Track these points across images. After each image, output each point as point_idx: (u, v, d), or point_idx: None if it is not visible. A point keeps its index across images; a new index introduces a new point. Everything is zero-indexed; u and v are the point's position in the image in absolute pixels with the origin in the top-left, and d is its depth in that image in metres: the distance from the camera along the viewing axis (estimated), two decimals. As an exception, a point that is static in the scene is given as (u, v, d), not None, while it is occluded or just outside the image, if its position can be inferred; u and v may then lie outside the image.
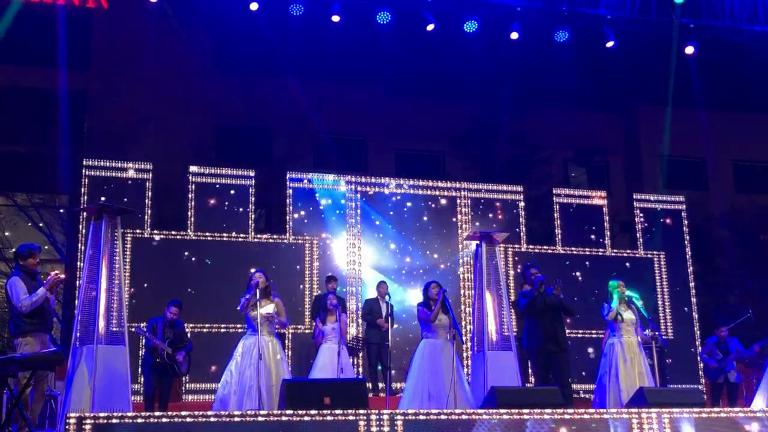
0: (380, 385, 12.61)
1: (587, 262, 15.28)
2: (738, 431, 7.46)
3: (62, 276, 8.40)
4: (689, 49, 14.31)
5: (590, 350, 14.05)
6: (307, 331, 13.28)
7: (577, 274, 15.09)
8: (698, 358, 13.71)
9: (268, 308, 8.87)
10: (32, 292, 8.05)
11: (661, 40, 14.49)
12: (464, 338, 12.84)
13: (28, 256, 8.36)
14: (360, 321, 13.37)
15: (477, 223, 14.71)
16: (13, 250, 8.53)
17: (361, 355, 12.95)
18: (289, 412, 6.63)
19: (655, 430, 7.26)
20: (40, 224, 17.25)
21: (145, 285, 12.78)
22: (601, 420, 7.17)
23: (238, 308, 8.90)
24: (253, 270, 9.33)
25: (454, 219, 15.06)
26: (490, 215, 15.20)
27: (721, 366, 12.33)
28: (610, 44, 13.90)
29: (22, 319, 8.09)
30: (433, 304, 9.44)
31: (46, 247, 16.85)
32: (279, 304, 9.11)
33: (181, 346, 10.55)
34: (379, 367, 12.86)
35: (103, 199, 10.75)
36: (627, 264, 15.31)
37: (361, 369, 13.32)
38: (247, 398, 8.50)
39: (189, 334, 11.77)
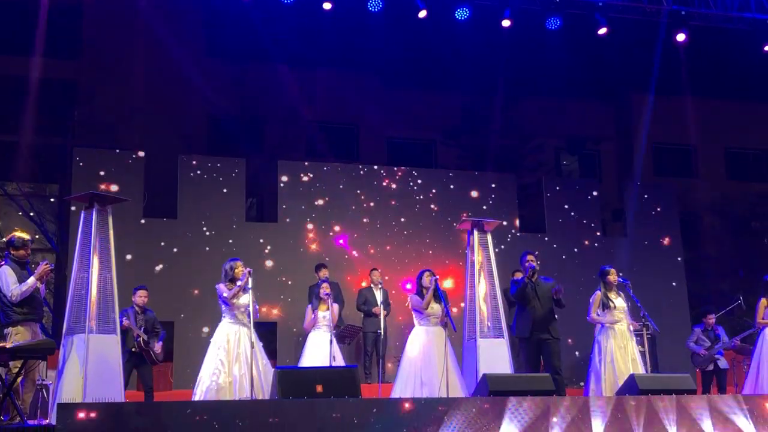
0: (373, 372, 12.64)
1: (578, 250, 15.32)
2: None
3: (52, 266, 8.36)
4: (680, 37, 14.30)
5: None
6: (297, 320, 13.29)
7: (568, 261, 15.13)
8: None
9: (249, 296, 8.85)
10: (22, 281, 8.04)
11: (653, 27, 14.49)
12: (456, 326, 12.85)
13: (21, 247, 8.33)
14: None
15: (468, 212, 14.71)
16: (4, 239, 8.51)
17: (347, 342, 12.95)
18: (281, 400, 6.63)
19: (647, 416, 7.29)
20: (31, 213, 17.20)
21: (136, 273, 12.74)
22: (593, 406, 7.20)
23: (225, 295, 8.81)
24: (232, 260, 9.21)
25: (446, 207, 15.08)
26: (482, 203, 15.22)
27: (710, 354, 12.36)
28: (602, 31, 13.89)
29: (12, 309, 8.07)
30: (425, 292, 9.44)
31: (37, 236, 16.80)
32: (251, 293, 9.07)
33: (156, 333, 10.40)
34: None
35: (94, 188, 10.70)
36: (618, 251, 15.36)
37: (349, 357, 13.33)
38: (239, 388, 8.50)
39: (180, 323, 11.74)
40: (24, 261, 8.37)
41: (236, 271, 8.93)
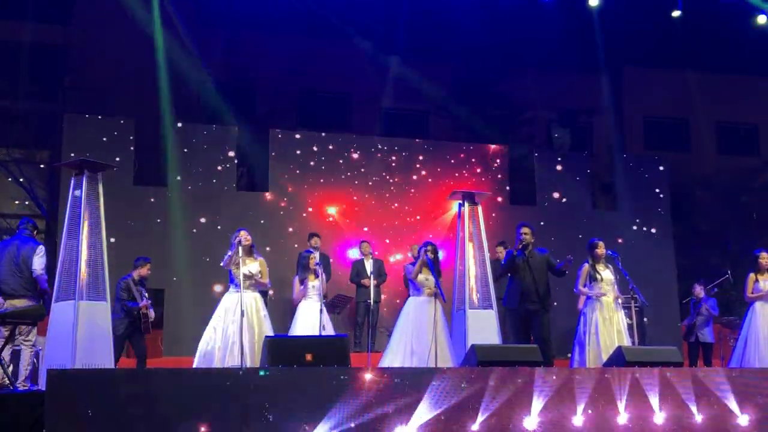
0: (363, 342, 12.70)
1: (569, 222, 15.35)
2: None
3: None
4: (675, 13, 14.29)
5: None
6: (288, 289, 13.32)
7: (558, 234, 15.15)
8: (678, 319, 13.84)
9: (251, 267, 8.95)
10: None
11: None
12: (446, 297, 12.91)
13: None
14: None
15: (459, 183, 14.72)
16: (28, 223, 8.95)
17: (337, 311, 12.99)
18: (271, 368, 6.66)
19: (633, 388, 7.35)
20: (21, 179, 17.12)
21: (127, 241, 12.73)
22: (577, 377, 7.25)
23: (221, 264, 8.96)
24: (237, 230, 9.31)
25: (437, 178, 15.08)
26: (473, 175, 15.23)
27: (690, 326, 12.47)
28: (594, 2, 13.86)
29: (20, 285, 8.57)
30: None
31: (27, 203, 16.76)
32: (263, 263, 9.16)
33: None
34: None
35: (85, 154, 10.63)
36: (608, 224, 15.39)
37: (341, 327, 13.39)
38: (229, 355, 8.56)
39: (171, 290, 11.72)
40: None
41: (235, 240, 9.01)
